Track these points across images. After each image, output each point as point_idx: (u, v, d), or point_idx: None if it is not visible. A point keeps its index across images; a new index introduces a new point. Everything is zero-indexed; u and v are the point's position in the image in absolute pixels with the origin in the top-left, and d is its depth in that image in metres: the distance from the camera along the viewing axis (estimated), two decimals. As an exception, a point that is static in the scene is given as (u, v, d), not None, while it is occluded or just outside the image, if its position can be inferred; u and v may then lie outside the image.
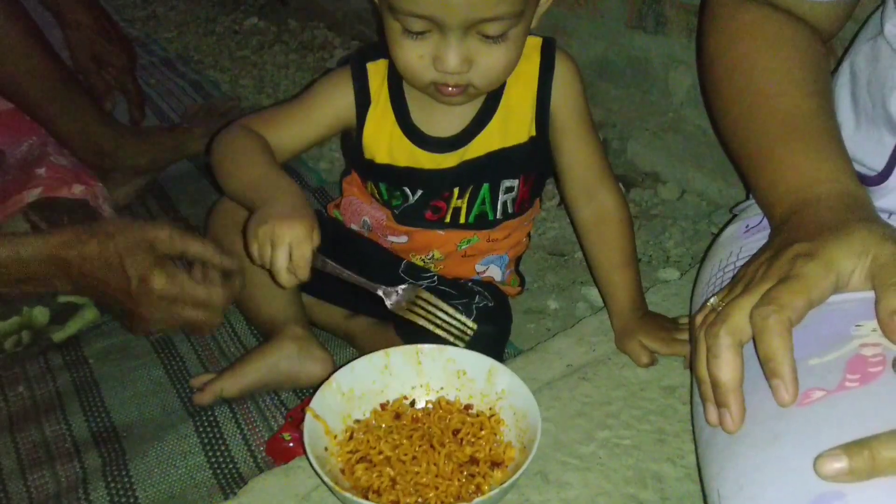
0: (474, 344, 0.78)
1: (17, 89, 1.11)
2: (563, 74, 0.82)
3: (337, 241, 0.93)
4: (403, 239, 0.90)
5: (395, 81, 0.83)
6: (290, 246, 0.70)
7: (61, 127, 1.15)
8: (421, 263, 0.91)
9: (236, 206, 0.83)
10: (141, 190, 1.28)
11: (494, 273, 0.92)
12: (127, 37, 1.39)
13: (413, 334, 0.83)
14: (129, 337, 0.99)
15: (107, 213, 1.10)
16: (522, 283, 1.00)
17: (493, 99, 0.82)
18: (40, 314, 0.95)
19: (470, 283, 0.89)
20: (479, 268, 0.92)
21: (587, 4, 1.38)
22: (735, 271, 0.69)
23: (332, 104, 0.84)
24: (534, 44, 0.82)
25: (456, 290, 0.87)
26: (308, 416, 0.68)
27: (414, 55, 0.74)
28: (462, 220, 0.87)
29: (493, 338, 0.86)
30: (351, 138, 0.86)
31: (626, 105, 1.36)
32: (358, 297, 0.93)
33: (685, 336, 0.80)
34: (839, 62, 0.76)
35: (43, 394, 0.91)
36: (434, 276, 0.90)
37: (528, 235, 0.96)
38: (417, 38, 0.72)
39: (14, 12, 1.07)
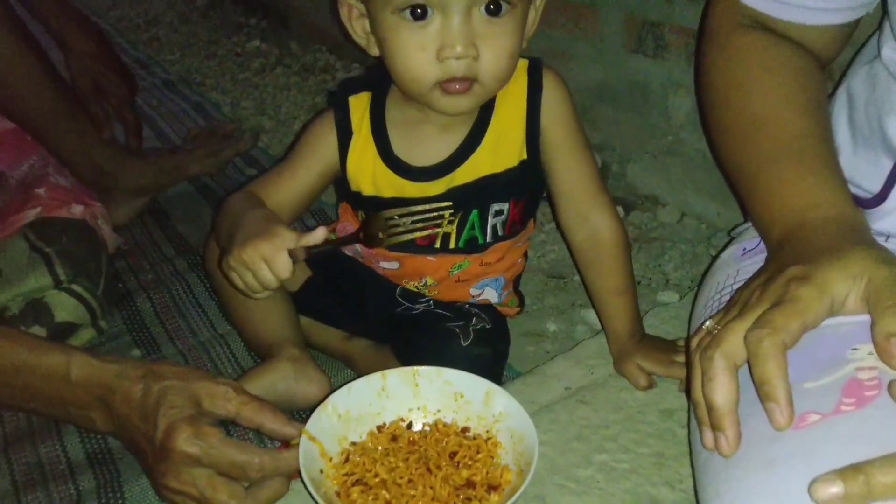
0: (472, 366, 0.77)
1: (19, 109, 1.13)
2: (551, 93, 0.81)
3: (335, 265, 0.94)
4: (395, 265, 0.90)
5: (378, 112, 0.83)
6: (265, 262, 0.70)
7: (63, 147, 1.16)
8: (415, 290, 0.91)
9: None
10: (141, 210, 1.29)
11: (490, 296, 0.92)
12: (127, 66, 1.41)
13: (411, 355, 0.83)
14: (127, 357, 0.99)
15: (105, 232, 1.10)
16: (522, 302, 0.99)
17: (481, 124, 0.81)
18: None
19: (466, 306, 0.89)
20: (473, 292, 0.91)
21: (587, 28, 1.39)
22: (732, 294, 0.69)
23: (316, 152, 0.84)
24: (521, 65, 0.81)
25: (452, 313, 0.87)
26: (303, 439, 0.67)
27: (416, 47, 0.71)
28: (452, 246, 0.86)
29: (490, 360, 0.86)
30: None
31: (626, 128, 1.36)
32: (355, 318, 0.94)
33: (683, 358, 0.79)
34: (836, 85, 0.77)
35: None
36: (430, 300, 0.90)
37: (525, 255, 0.96)
38: (418, 25, 0.70)
39: (17, 33, 1.09)
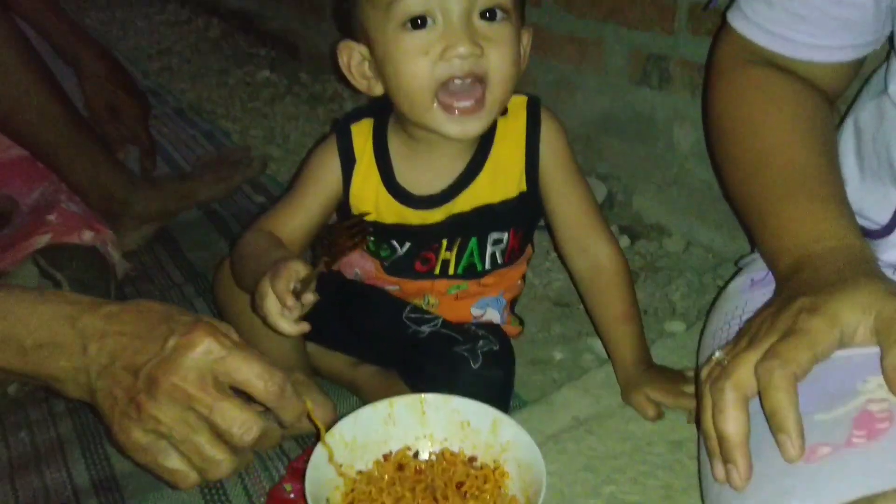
0: (484, 388, 0.78)
1: (32, 137, 1.14)
2: (549, 129, 0.84)
3: (342, 289, 0.94)
4: (394, 288, 0.90)
5: (380, 139, 0.84)
6: (273, 292, 0.70)
7: (74, 174, 1.17)
8: (421, 307, 0.91)
9: None
10: (150, 236, 1.30)
11: (493, 316, 0.92)
12: (141, 88, 1.43)
13: (421, 382, 0.82)
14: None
15: (115, 258, 1.11)
16: (521, 322, 1.00)
17: (481, 153, 0.83)
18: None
19: (473, 327, 0.90)
20: (475, 311, 0.92)
21: (592, 60, 1.40)
22: (740, 325, 0.69)
23: (321, 179, 0.85)
24: (520, 101, 0.84)
25: (460, 335, 0.87)
26: (309, 467, 0.67)
27: (419, 51, 0.72)
28: (451, 272, 0.87)
29: (501, 381, 0.85)
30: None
31: (632, 158, 1.37)
32: (363, 343, 0.93)
33: (691, 388, 0.79)
34: (843, 118, 0.77)
35: (45, 440, 0.91)
36: (438, 319, 0.90)
37: (523, 278, 0.96)
38: (419, 31, 0.72)
39: (30, 61, 1.11)
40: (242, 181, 1.41)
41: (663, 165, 1.33)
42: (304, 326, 0.71)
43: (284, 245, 0.80)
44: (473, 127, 0.75)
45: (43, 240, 1.04)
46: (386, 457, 0.73)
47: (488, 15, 0.73)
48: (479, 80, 0.73)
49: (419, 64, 0.72)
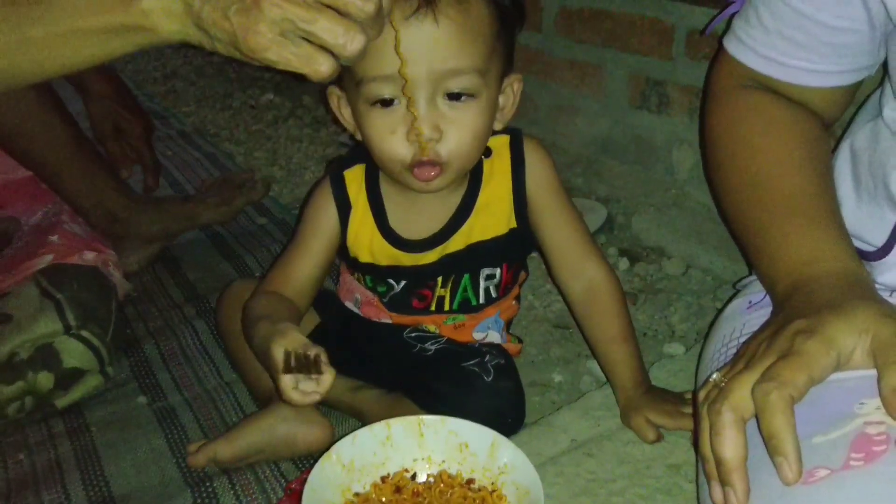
0: (499, 401, 0.80)
1: (35, 158, 1.15)
2: (534, 163, 0.85)
3: (341, 317, 0.94)
4: (388, 321, 0.92)
5: (373, 186, 0.86)
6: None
7: (77, 195, 1.18)
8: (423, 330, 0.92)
9: (243, 294, 0.88)
10: (152, 257, 1.30)
11: (494, 338, 0.93)
12: (144, 108, 1.44)
13: (434, 401, 0.82)
14: (132, 405, 0.99)
15: (116, 279, 1.11)
16: (519, 340, 1.01)
17: (471, 194, 0.85)
18: (45, 379, 0.95)
19: (477, 345, 0.90)
20: (477, 335, 0.92)
21: (592, 84, 1.42)
22: (738, 347, 0.69)
23: (320, 226, 0.87)
24: (502, 142, 0.86)
25: (466, 352, 0.88)
26: (306, 488, 0.66)
27: (386, 130, 0.76)
28: (447, 308, 0.89)
29: (514, 393, 0.86)
30: None
31: (631, 181, 1.38)
32: (366, 364, 0.93)
33: (691, 410, 0.79)
34: (838, 141, 0.78)
35: (43, 462, 0.91)
36: (443, 338, 0.90)
37: (518, 299, 0.97)
38: (386, 110, 0.75)
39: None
40: (246, 204, 1.41)
41: (662, 188, 1.33)
42: (316, 398, 0.73)
43: (288, 309, 0.82)
44: (437, 185, 0.79)
45: (45, 260, 1.05)
46: (384, 479, 0.72)
47: (455, 89, 0.75)
48: (437, 162, 0.77)
49: (388, 141, 0.76)
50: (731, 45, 0.76)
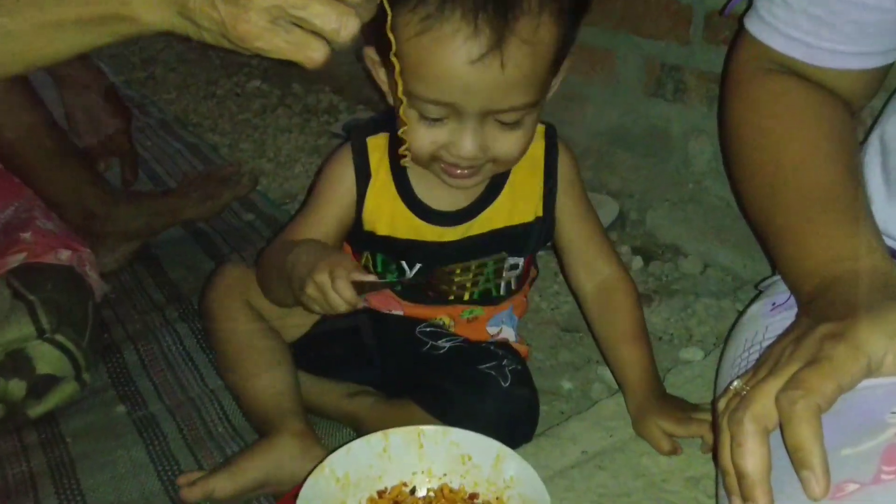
0: (515, 409, 0.82)
1: (6, 149, 1.15)
2: (565, 160, 0.89)
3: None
4: (400, 312, 0.91)
5: (397, 155, 0.85)
6: (331, 275, 0.72)
7: (52, 189, 1.17)
8: (438, 324, 0.92)
9: (237, 279, 0.89)
10: (131, 256, 1.30)
11: (508, 334, 0.95)
12: (123, 98, 1.44)
13: (445, 405, 0.83)
14: (111, 414, 0.99)
15: (93, 279, 1.11)
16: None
17: (499, 177, 0.86)
18: (16, 388, 0.95)
19: (492, 346, 0.91)
20: (491, 330, 0.94)
21: (603, 71, 1.41)
22: (761, 352, 0.68)
23: (336, 196, 0.87)
24: (539, 130, 0.87)
25: (482, 354, 0.88)
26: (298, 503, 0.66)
27: (427, 141, 0.77)
28: (466, 298, 0.89)
29: (531, 401, 0.88)
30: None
31: (645, 174, 1.38)
32: (365, 366, 0.93)
33: (705, 416, 0.79)
34: (868, 132, 0.78)
35: (16, 475, 0.91)
36: (457, 338, 0.90)
37: (526, 295, 0.99)
38: (433, 125, 0.76)
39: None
40: (231, 199, 1.41)
41: (679, 182, 1.33)
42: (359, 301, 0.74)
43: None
44: (471, 183, 0.81)
45: (16, 259, 1.04)
46: (381, 493, 0.72)
47: (507, 121, 0.76)
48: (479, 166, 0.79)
49: (425, 142, 0.77)
50: (753, 26, 0.76)
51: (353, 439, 0.74)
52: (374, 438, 0.73)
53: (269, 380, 0.87)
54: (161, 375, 1.06)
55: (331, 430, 0.95)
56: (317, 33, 0.57)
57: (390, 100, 0.81)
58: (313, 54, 0.58)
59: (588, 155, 1.46)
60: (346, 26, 0.57)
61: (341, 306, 0.73)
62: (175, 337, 1.13)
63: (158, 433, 0.96)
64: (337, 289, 0.72)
